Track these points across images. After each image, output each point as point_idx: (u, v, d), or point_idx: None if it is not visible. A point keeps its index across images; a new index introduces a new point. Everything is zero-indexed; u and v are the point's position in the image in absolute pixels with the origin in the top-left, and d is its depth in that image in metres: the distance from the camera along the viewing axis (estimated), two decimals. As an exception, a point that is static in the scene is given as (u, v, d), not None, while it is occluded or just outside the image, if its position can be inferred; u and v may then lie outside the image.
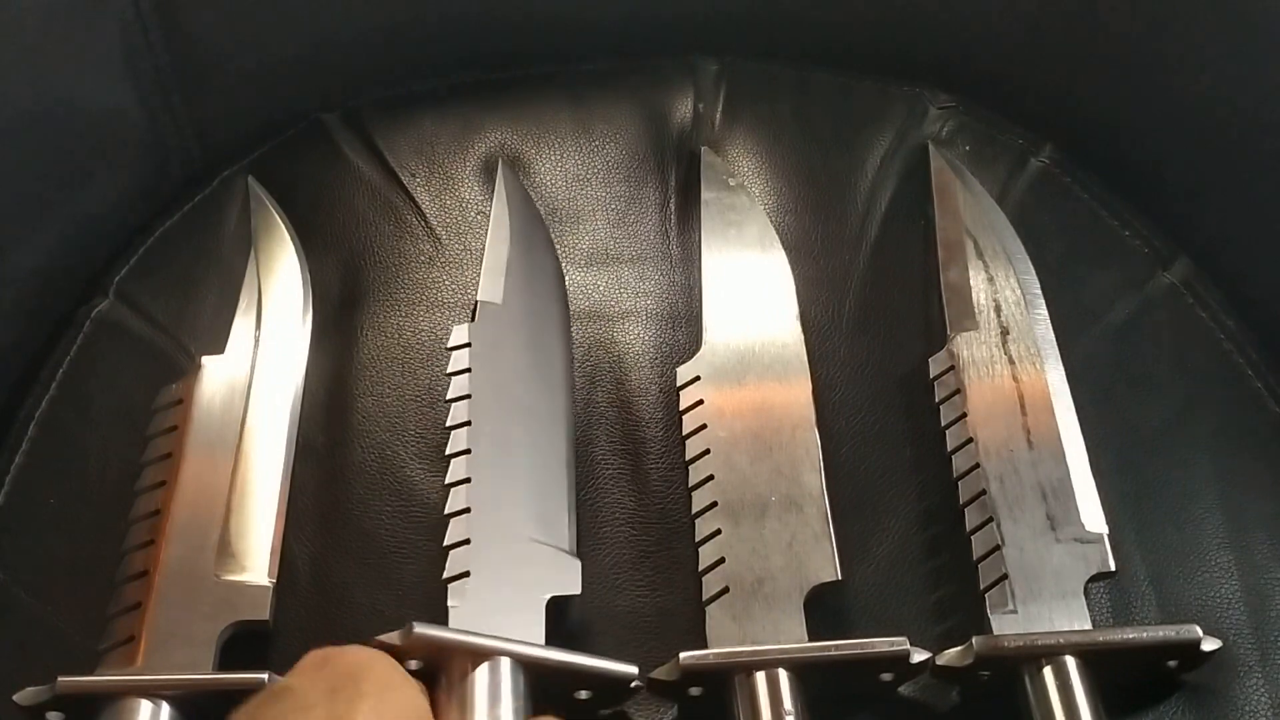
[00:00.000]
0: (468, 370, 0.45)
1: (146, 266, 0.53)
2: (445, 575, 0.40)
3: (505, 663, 0.37)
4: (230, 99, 0.55)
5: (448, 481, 0.43)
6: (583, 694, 0.40)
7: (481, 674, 0.37)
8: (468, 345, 0.46)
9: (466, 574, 0.40)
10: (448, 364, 0.46)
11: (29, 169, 0.48)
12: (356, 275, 0.53)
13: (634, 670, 0.39)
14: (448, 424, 0.44)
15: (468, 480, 0.42)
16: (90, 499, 0.46)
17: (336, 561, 0.45)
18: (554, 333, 0.49)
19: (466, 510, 0.42)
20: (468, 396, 0.45)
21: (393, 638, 0.36)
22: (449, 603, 0.40)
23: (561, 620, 0.42)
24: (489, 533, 0.42)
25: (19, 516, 0.46)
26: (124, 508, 0.44)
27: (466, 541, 0.41)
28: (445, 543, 0.41)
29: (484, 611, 0.40)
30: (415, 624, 0.36)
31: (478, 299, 0.47)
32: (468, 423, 0.44)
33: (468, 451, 0.43)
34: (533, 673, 0.38)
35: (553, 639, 0.40)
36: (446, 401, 0.45)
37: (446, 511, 0.42)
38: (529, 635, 0.39)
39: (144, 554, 0.42)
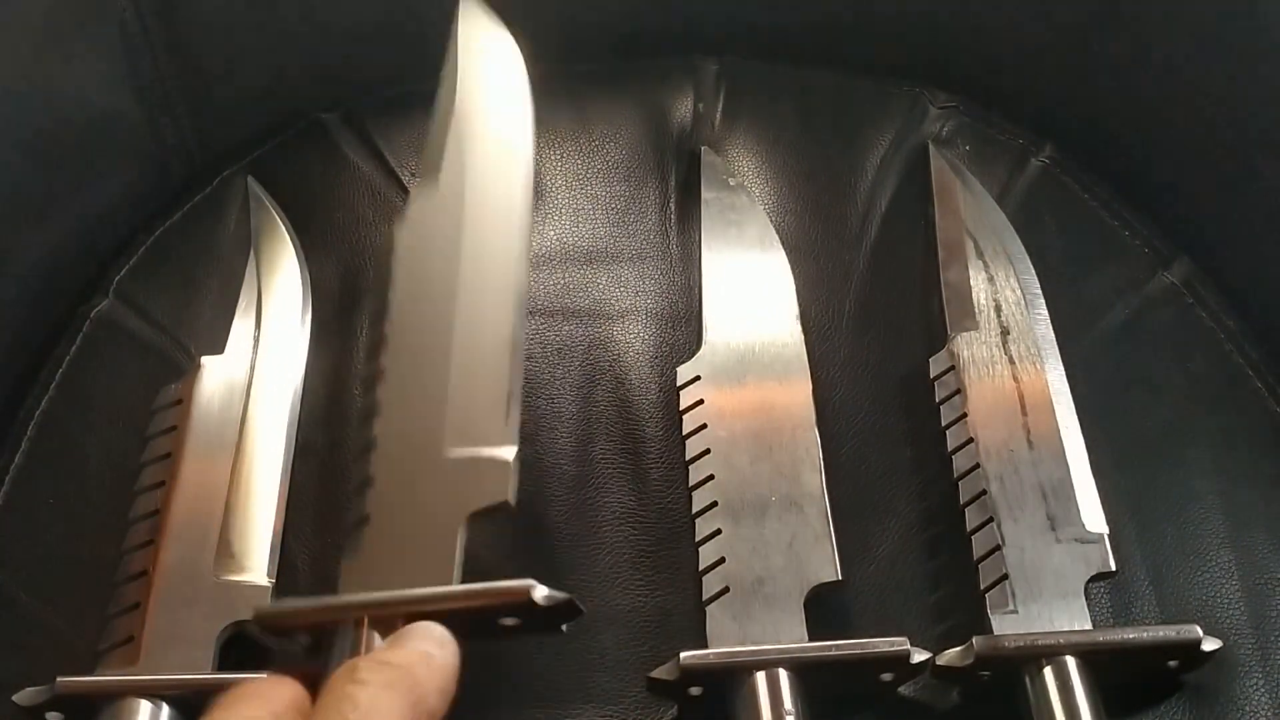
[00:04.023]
0: (390, 281, 0.39)
1: (146, 266, 0.53)
2: (351, 519, 0.35)
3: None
4: (230, 99, 0.55)
5: (356, 420, 0.37)
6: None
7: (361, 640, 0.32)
8: (391, 251, 0.40)
9: (367, 518, 0.35)
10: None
11: (29, 169, 0.48)
12: (356, 275, 0.53)
13: (528, 583, 0.33)
14: (363, 353, 0.39)
15: (377, 408, 0.36)
16: (90, 499, 0.46)
17: (336, 561, 0.45)
18: (508, 203, 0.41)
19: (373, 441, 0.36)
20: (387, 309, 0.38)
21: (249, 626, 0.33)
22: (343, 559, 0.35)
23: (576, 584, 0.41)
24: (392, 461, 0.36)
25: (19, 516, 0.46)
26: (124, 508, 0.44)
27: (369, 481, 0.35)
28: (352, 486, 0.36)
29: (381, 557, 0.34)
30: (258, 606, 0.33)
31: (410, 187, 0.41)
32: (384, 339, 0.37)
33: (381, 372, 0.37)
34: (425, 617, 0.33)
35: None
36: (369, 324, 0.39)
37: (352, 452, 0.37)
38: (435, 572, 0.34)
39: (143, 554, 0.42)
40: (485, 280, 0.39)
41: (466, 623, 0.33)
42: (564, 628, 0.36)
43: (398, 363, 0.37)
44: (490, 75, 0.44)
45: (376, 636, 0.33)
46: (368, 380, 0.37)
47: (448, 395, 0.36)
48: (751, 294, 0.50)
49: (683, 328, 0.52)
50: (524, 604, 0.34)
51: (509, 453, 0.36)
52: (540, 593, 0.33)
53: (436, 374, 0.37)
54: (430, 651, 0.32)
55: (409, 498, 0.35)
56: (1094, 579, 0.42)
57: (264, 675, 0.37)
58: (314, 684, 0.31)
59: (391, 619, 0.33)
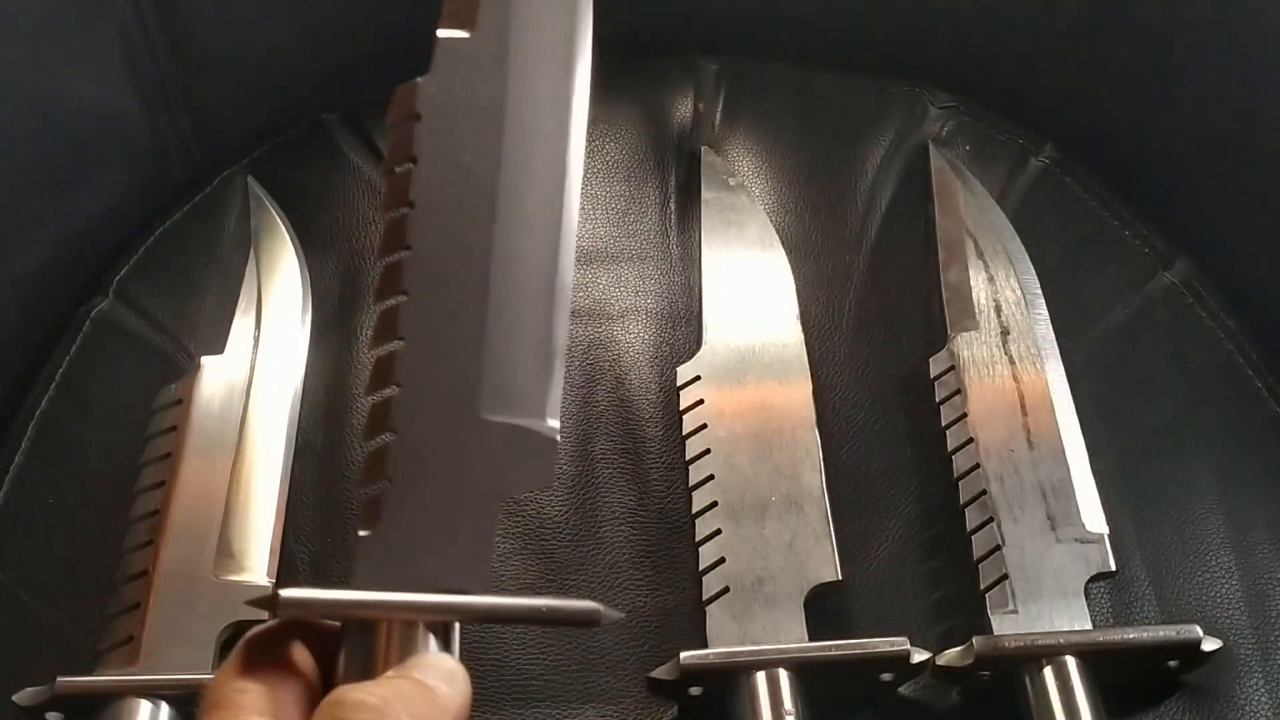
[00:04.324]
0: (412, 161, 0.30)
1: (146, 266, 0.53)
2: (362, 491, 0.29)
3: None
4: (230, 99, 0.55)
5: (370, 345, 0.30)
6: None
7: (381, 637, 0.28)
8: (416, 117, 0.30)
9: (389, 483, 0.29)
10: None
11: (29, 169, 0.48)
12: (356, 275, 0.53)
13: (595, 607, 0.30)
14: (378, 254, 0.30)
15: (400, 341, 0.29)
16: (90, 499, 0.46)
17: (336, 561, 0.45)
18: (560, 74, 0.32)
19: (392, 395, 0.29)
20: (410, 204, 0.29)
21: (258, 603, 0.27)
22: (360, 529, 0.29)
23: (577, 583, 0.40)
24: (420, 421, 0.29)
25: (19, 516, 0.46)
26: (124, 508, 0.44)
27: (391, 436, 0.29)
28: (366, 451, 0.30)
29: (403, 548, 0.28)
30: (281, 591, 0.27)
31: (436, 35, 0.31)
32: (405, 253, 0.29)
33: (404, 295, 0.29)
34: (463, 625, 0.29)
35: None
36: (384, 211, 0.30)
37: (367, 388, 0.29)
38: (470, 561, 0.29)
39: (143, 554, 0.42)
40: (529, 198, 0.31)
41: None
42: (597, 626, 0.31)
43: (424, 284, 0.29)
44: None
45: (398, 635, 0.28)
46: (384, 297, 0.30)
47: (485, 344, 0.30)
48: (751, 294, 0.50)
49: (683, 328, 0.52)
50: (590, 623, 0.30)
51: (553, 426, 0.30)
52: (608, 616, 0.30)
53: (472, 310, 0.30)
54: (437, 688, 0.28)
55: (439, 465, 0.29)
56: (1094, 579, 0.42)
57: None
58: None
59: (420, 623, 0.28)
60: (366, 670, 0.28)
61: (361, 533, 0.29)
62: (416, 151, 0.30)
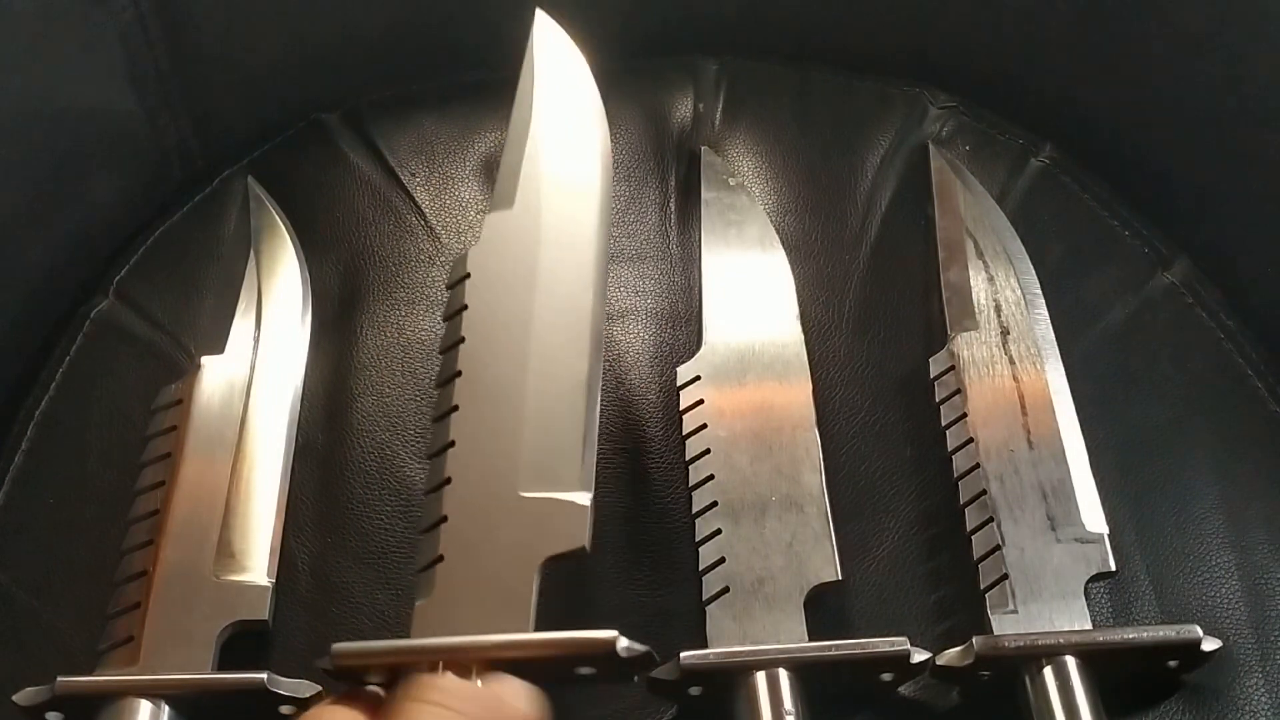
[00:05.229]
0: (464, 309, 0.38)
1: (146, 266, 0.53)
2: (418, 566, 0.35)
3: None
4: (230, 99, 0.55)
5: (429, 453, 0.37)
6: (584, 670, 0.35)
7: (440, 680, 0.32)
8: (467, 277, 0.39)
9: (440, 558, 0.35)
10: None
11: (29, 169, 0.48)
12: (356, 275, 0.53)
13: (611, 636, 0.34)
14: (435, 383, 0.38)
15: (451, 444, 0.36)
16: (90, 499, 0.46)
17: (336, 561, 0.45)
18: (584, 234, 0.40)
19: (447, 482, 0.36)
20: (461, 341, 0.38)
21: (324, 662, 0.33)
22: (416, 599, 0.35)
23: (576, 582, 0.41)
24: (470, 503, 0.36)
25: (19, 516, 0.46)
26: (124, 508, 0.44)
27: (442, 519, 0.36)
28: (420, 527, 0.36)
29: (455, 599, 0.34)
30: (336, 645, 0.33)
31: (489, 212, 0.40)
32: (458, 373, 0.37)
33: (455, 409, 0.37)
34: (503, 664, 0.33)
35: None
36: (440, 353, 0.38)
37: (425, 488, 0.37)
38: (511, 616, 0.34)
39: (143, 554, 0.42)
40: (561, 315, 0.39)
41: (541, 670, 0.33)
42: (635, 678, 0.36)
43: (472, 398, 0.37)
44: (566, 98, 0.43)
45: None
46: (440, 414, 0.37)
47: (522, 435, 0.36)
48: (751, 294, 0.50)
49: (683, 328, 0.52)
50: (606, 654, 0.34)
51: (585, 498, 0.36)
52: (623, 644, 0.33)
53: (511, 412, 0.36)
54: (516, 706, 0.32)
55: (483, 539, 0.35)
56: (1094, 579, 0.42)
57: (263, 675, 0.38)
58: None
59: (468, 664, 0.33)
60: None
61: (418, 602, 0.34)
62: (467, 301, 0.38)
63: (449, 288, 0.39)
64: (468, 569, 0.35)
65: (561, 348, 0.38)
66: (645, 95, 0.59)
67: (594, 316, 0.39)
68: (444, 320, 0.39)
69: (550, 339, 0.38)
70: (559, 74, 0.44)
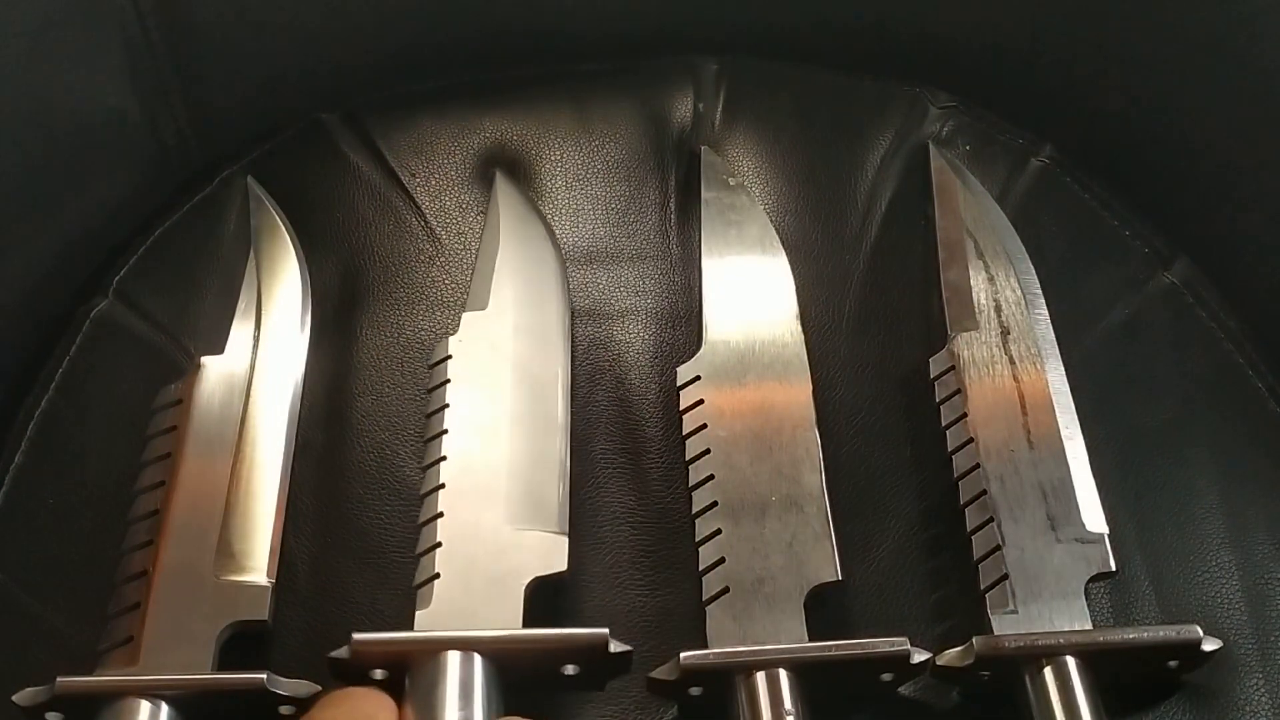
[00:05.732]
0: (446, 382, 0.45)
1: (146, 266, 0.53)
2: (415, 583, 0.40)
3: (457, 658, 0.37)
4: (230, 99, 0.55)
5: (422, 492, 0.43)
6: (569, 669, 0.39)
7: (445, 672, 0.37)
8: (448, 358, 0.46)
9: (436, 575, 0.40)
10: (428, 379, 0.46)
11: (29, 169, 0.48)
12: (356, 275, 0.53)
13: (604, 632, 0.38)
14: (424, 438, 0.44)
15: (442, 486, 0.43)
16: (90, 499, 0.46)
17: (336, 561, 0.45)
18: (548, 333, 0.49)
19: (440, 515, 0.42)
20: (446, 407, 0.45)
21: (341, 652, 0.37)
22: (416, 609, 0.40)
23: (557, 609, 0.42)
24: (462, 532, 0.42)
25: (19, 516, 0.46)
26: (124, 508, 0.44)
27: (438, 544, 0.41)
28: (417, 550, 0.41)
29: (452, 610, 0.40)
30: (355, 634, 0.37)
31: (463, 313, 0.48)
32: (444, 432, 0.44)
33: (443, 458, 0.43)
34: (498, 661, 0.37)
35: (555, 605, 0.40)
36: (426, 415, 0.45)
37: (420, 521, 0.42)
38: (504, 621, 0.39)
39: (143, 554, 0.42)
40: (532, 401, 0.46)
41: (533, 662, 0.38)
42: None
43: (459, 453, 0.44)
44: (529, 239, 0.52)
45: None
46: (431, 459, 0.44)
47: (505, 489, 0.43)
48: (751, 294, 0.50)
49: (683, 328, 0.52)
50: (599, 650, 0.38)
51: (563, 541, 0.42)
52: (615, 645, 0.38)
53: (494, 472, 0.44)
54: None
55: (476, 561, 0.41)
56: (1094, 579, 0.42)
57: (263, 675, 0.38)
58: None
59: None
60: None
61: (419, 612, 0.39)
62: (449, 377, 0.45)
63: (429, 366, 0.47)
64: (462, 584, 0.40)
65: (535, 427, 0.45)
66: (645, 95, 0.59)
67: (561, 392, 0.46)
68: (427, 392, 0.46)
69: (523, 410, 0.45)
70: (517, 213, 0.53)
